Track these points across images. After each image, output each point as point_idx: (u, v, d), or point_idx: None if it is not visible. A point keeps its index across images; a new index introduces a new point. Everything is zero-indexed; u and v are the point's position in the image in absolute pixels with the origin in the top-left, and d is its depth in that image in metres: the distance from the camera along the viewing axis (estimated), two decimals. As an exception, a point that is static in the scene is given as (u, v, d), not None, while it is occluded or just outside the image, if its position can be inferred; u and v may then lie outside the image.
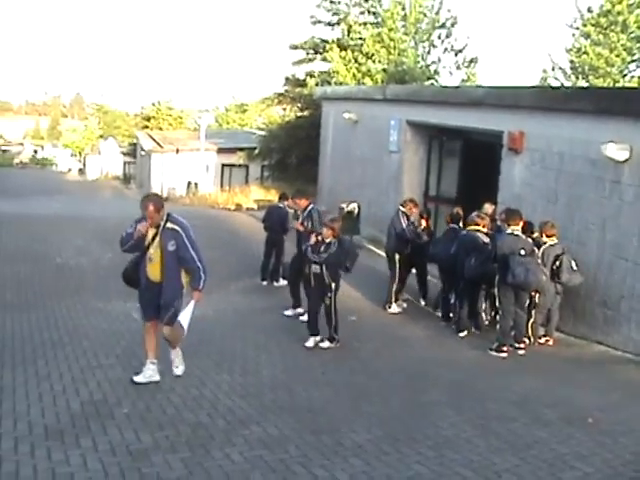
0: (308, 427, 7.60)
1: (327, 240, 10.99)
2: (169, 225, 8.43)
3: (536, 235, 12.07)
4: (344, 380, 9.55)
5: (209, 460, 6.60)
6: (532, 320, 11.91)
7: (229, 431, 7.36)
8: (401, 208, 14.12)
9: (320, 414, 8.08)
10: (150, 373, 8.74)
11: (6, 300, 13.19)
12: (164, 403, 8.10)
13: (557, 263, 11.63)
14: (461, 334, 12.39)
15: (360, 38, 33.94)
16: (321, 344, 11.05)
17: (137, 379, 8.68)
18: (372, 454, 6.92)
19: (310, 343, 10.99)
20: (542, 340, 12.11)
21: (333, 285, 11.08)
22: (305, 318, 11.89)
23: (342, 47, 33.58)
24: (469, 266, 12.03)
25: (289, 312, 12.99)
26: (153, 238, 8.45)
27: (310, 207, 13.17)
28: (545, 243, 11.83)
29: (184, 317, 8.53)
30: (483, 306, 12.50)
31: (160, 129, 58.34)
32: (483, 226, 12.32)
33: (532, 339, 11.94)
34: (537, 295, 11.79)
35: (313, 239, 11.20)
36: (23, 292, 13.94)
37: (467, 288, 12.51)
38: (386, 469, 6.58)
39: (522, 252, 10.98)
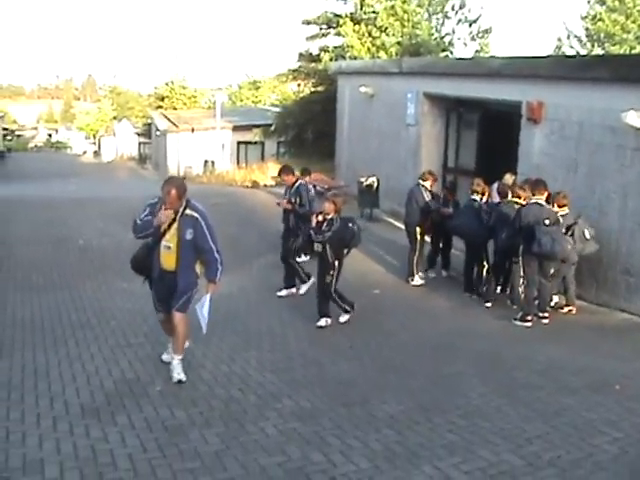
0: (339, 400, 7.73)
1: (329, 216, 10.80)
2: (188, 212, 7.88)
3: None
4: (371, 353, 9.68)
5: (244, 434, 6.74)
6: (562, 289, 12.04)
7: (261, 406, 7.50)
8: (421, 182, 14.13)
9: (350, 387, 8.21)
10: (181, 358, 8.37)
11: (32, 281, 13.36)
12: (195, 380, 8.24)
13: (569, 233, 11.66)
14: (487, 304, 12.47)
15: (373, 12, 33.74)
16: (340, 319, 11.02)
17: (164, 357, 8.77)
18: (404, 424, 7.06)
19: (322, 322, 10.81)
20: (565, 310, 12.17)
21: (336, 263, 10.85)
22: (302, 291, 12.25)
23: (355, 21, 33.41)
24: (501, 238, 12.13)
25: (283, 292, 12.81)
26: (170, 225, 7.89)
27: (298, 183, 13.02)
28: (557, 213, 11.84)
29: (203, 312, 8.15)
30: (520, 280, 12.11)
31: (174, 109, 58.35)
32: (524, 199, 12.19)
33: (573, 308, 12.17)
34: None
35: (314, 220, 10.94)
36: (48, 274, 14.09)
37: (500, 260, 12.62)
38: (419, 438, 6.71)
39: (547, 222, 11.03)
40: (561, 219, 11.61)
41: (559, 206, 11.85)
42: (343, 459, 6.27)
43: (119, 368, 8.59)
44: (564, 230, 11.61)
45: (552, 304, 12.17)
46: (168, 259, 8.04)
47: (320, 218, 10.85)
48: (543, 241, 10.89)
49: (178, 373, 8.17)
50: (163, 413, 7.22)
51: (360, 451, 6.42)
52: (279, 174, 13.83)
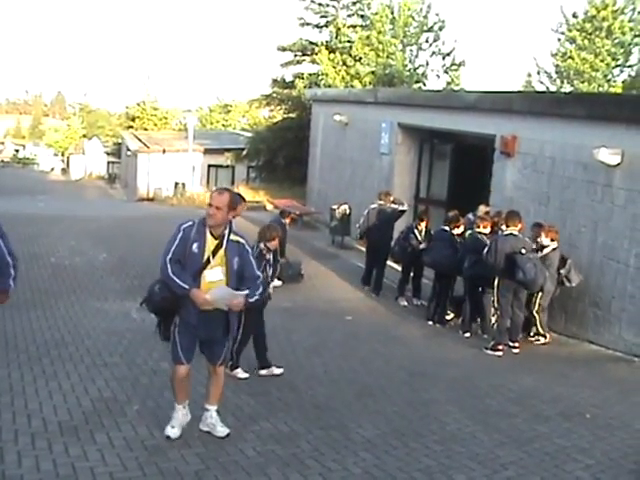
0: (316, 423, 7.80)
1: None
2: (233, 237, 6.74)
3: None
4: (346, 378, 9.76)
5: (223, 455, 6.78)
6: (538, 320, 12.30)
7: (240, 427, 7.52)
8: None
9: (327, 411, 8.28)
10: (183, 419, 7.27)
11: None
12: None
13: (567, 267, 11.95)
14: (466, 334, 12.73)
15: (348, 41, 34.22)
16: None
17: (172, 434, 7.09)
18: (381, 448, 7.15)
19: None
20: (539, 340, 12.41)
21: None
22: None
23: (330, 49, 33.83)
24: (464, 267, 12.47)
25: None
26: (214, 252, 6.68)
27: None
28: (547, 246, 12.11)
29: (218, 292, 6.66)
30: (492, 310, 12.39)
31: (145, 129, 58.20)
32: (484, 227, 12.59)
33: (547, 337, 12.38)
34: (540, 295, 12.13)
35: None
36: (21, 291, 13.89)
37: (471, 289, 12.90)
38: (397, 462, 6.81)
39: (523, 251, 11.27)
40: (553, 253, 12.09)
41: (551, 240, 12.13)
42: (323, 481, 6.35)
43: (95, 387, 8.55)
44: (557, 263, 11.97)
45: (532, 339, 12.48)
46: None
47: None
48: (527, 268, 11.10)
49: (222, 425, 7.24)
50: (142, 432, 7.23)
51: (339, 474, 6.51)
52: None
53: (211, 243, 6.67)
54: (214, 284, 6.64)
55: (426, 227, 14.50)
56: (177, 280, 6.58)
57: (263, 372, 9.61)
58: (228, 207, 6.61)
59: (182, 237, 6.67)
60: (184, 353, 6.91)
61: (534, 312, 12.27)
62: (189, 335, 6.86)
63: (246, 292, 6.72)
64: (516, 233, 11.61)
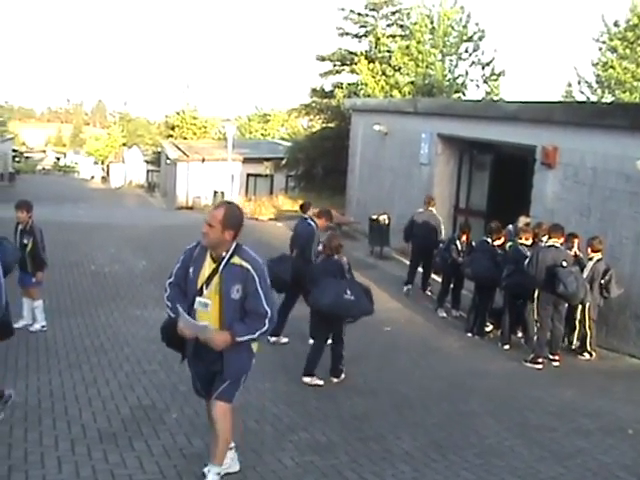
0: (355, 434, 7.78)
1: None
2: (236, 260, 5.78)
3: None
4: (385, 388, 9.74)
5: (261, 464, 6.79)
6: (589, 336, 12.18)
7: (278, 437, 7.54)
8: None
9: (365, 421, 8.26)
10: (228, 462, 6.47)
11: (45, 306, 13.41)
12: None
13: (607, 278, 11.83)
14: (506, 347, 12.63)
15: (388, 51, 34.21)
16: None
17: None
18: (420, 461, 7.12)
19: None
20: (586, 356, 12.30)
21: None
22: None
23: (370, 59, 33.83)
24: (502, 277, 12.43)
25: None
26: (210, 277, 5.84)
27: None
28: (592, 258, 12.01)
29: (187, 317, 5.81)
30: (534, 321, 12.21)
31: (184, 138, 58.66)
32: (526, 239, 12.60)
33: (594, 354, 12.22)
34: (587, 308, 12.02)
35: None
36: (62, 298, 14.15)
37: (510, 301, 12.83)
38: (435, 475, 6.78)
39: (564, 264, 11.16)
40: (598, 264, 11.98)
41: (594, 251, 12.04)
42: (361, 494, 6.33)
43: (135, 394, 8.62)
44: (601, 274, 11.90)
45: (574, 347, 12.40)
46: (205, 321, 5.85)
47: None
48: (568, 281, 11.00)
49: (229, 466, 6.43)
50: (180, 440, 7.26)
51: (378, 486, 6.49)
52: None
53: (209, 267, 5.85)
54: (204, 314, 5.83)
55: (467, 239, 14.40)
56: (169, 306, 6.05)
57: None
58: (222, 225, 5.68)
59: (184, 259, 6.06)
60: (196, 384, 6.37)
61: (586, 327, 12.14)
62: (194, 368, 6.27)
63: (212, 333, 5.75)
64: (558, 245, 11.51)
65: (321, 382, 9.61)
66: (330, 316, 9.61)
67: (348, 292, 9.44)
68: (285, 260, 11.34)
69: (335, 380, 9.82)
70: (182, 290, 6.02)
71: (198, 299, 5.84)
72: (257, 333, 5.79)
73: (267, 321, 5.78)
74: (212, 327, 5.76)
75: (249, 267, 5.75)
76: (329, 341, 10.00)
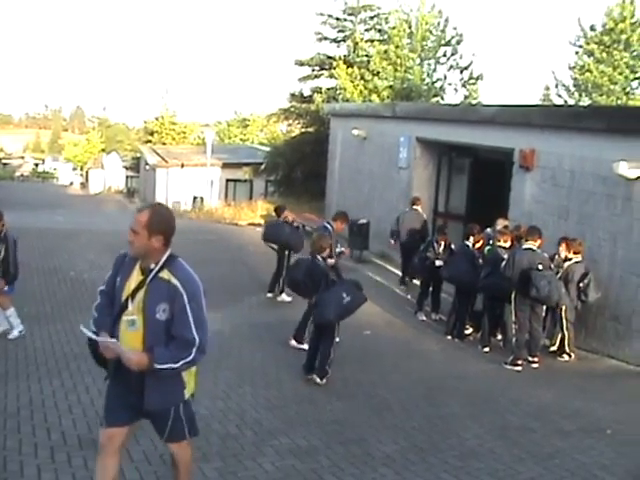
0: (335, 438, 7.79)
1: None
2: (165, 275, 4.94)
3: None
4: (365, 392, 9.74)
5: (242, 470, 6.79)
6: (567, 338, 12.25)
7: (258, 442, 7.53)
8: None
9: (345, 425, 8.27)
10: None
11: (24, 313, 13.32)
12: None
13: (585, 281, 11.91)
14: (485, 349, 12.68)
15: (366, 55, 34.29)
16: None
17: None
18: (400, 464, 7.13)
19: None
20: (565, 358, 12.36)
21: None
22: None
23: (348, 64, 33.87)
24: (480, 279, 12.51)
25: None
26: (135, 290, 4.99)
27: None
28: (571, 259, 12.10)
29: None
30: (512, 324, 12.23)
31: (163, 144, 58.49)
32: (504, 241, 12.65)
33: (572, 355, 12.30)
34: (564, 311, 12.12)
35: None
36: (41, 305, 14.07)
37: (489, 303, 12.93)
38: (416, 478, 6.81)
39: (540, 267, 11.24)
40: (575, 266, 12.11)
41: (574, 253, 12.12)
42: (342, 497, 6.35)
43: (115, 401, 8.59)
44: (578, 277, 11.99)
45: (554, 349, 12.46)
46: (128, 342, 4.98)
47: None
48: (541, 285, 11.09)
49: None
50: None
51: (359, 489, 6.50)
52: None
53: (136, 278, 5.01)
54: (128, 334, 4.98)
55: (445, 242, 14.45)
56: (94, 316, 5.27)
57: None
58: (148, 230, 4.86)
59: (114, 265, 5.24)
60: (106, 412, 5.29)
61: (563, 329, 12.23)
62: (112, 390, 5.28)
63: (122, 352, 4.84)
64: (534, 248, 11.59)
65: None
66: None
67: (344, 295, 9.68)
68: (300, 264, 11.35)
69: (318, 381, 9.87)
70: (112, 300, 5.18)
71: (124, 316, 4.98)
72: (180, 363, 4.86)
73: (194, 350, 4.86)
74: (115, 341, 4.91)
75: (177, 284, 4.89)
76: None
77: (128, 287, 4.99)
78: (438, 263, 14.09)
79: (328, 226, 12.51)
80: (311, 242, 10.59)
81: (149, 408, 5.05)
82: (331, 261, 10.78)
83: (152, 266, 4.95)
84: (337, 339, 10.26)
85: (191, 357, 4.86)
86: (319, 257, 10.24)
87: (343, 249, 12.94)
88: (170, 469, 5.76)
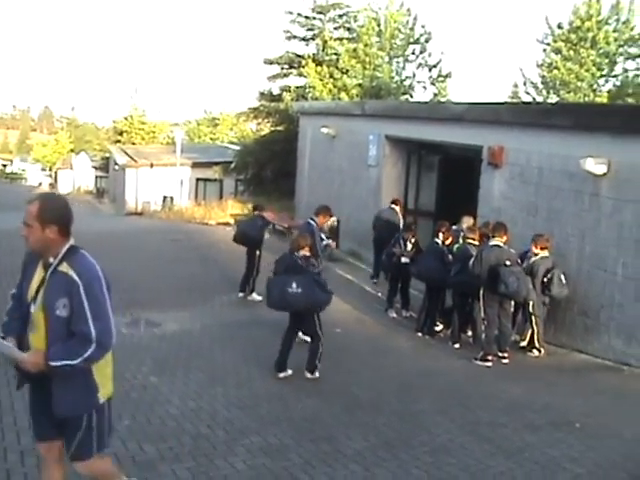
0: (306, 436, 7.81)
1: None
2: (63, 268, 4.65)
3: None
4: (336, 390, 9.76)
5: (214, 469, 6.78)
6: (536, 333, 12.34)
7: (230, 441, 7.53)
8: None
9: (316, 423, 8.29)
10: None
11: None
12: (163, 415, 8.24)
13: (549, 276, 12.00)
14: (456, 345, 12.73)
15: (335, 53, 34.34)
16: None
17: None
18: (371, 460, 7.16)
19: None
20: (535, 353, 12.43)
21: None
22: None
23: (317, 62, 33.90)
24: (450, 276, 12.60)
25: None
26: (38, 288, 4.72)
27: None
28: (537, 255, 12.19)
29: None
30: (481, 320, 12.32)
31: (133, 143, 58.17)
32: (474, 239, 12.69)
33: (542, 350, 12.36)
34: (532, 306, 12.21)
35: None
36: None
37: (459, 300, 12.98)
38: (387, 474, 6.83)
39: (507, 262, 11.33)
40: (540, 261, 12.18)
41: (541, 248, 12.21)
42: (313, 494, 6.36)
43: (85, 402, 8.53)
44: (543, 272, 12.08)
45: (523, 344, 12.53)
46: (34, 344, 4.74)
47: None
48: (509, 281, 11.17)
49: None
50: (132, 448, 7.22)
51: (330, 486, 6.51)
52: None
53: (38, 276, 4.76)
54: (32, 336, 4.73)
55: (413, 238, 14.50)
56: (3, 321, 4.94)
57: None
58: (40, 221, 4.60)
59: (22, 266, 4.95)
60: (32, 426, 5.12)
61: (533, 324, 12.33)
62: (30, 400, 5.05)
63: (15, 351, 4.60)
64: (501, 244, 11.68)
65: (290, 372, 10.13)
66: (297, 311, 10.12)
67: (293, 285, 9.73)
68: (282, 260, 11.40)
69: (309, 375, 10.11)
70: (22, 303, 4.85)
71: (31, 312, 4.70)
72: (77, 360, 4.53)
73: (93, 345, 4.56)
74: (10, 345, 4.63)
75: (74, 276, 4.59)
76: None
77: (32, 286, 4.74)
78: (404, 260, 14.16)
79: (312, 222, 12.66)
80: (291, 240, 10.87)
81: (59, 414, 4.74)
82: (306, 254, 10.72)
83: (51, 260, 4.68)
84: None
85: (88, 353, 4.56)
86: (297, 254, 10.32)
87: (329, 242, 13.03)
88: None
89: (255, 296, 15.26)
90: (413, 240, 14.48)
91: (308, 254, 10.46)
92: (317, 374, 10.16)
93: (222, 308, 14.78)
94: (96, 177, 68.71)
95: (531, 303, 12.13)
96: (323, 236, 12.85)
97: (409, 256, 14.16)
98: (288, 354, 10.22)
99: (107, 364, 4.95)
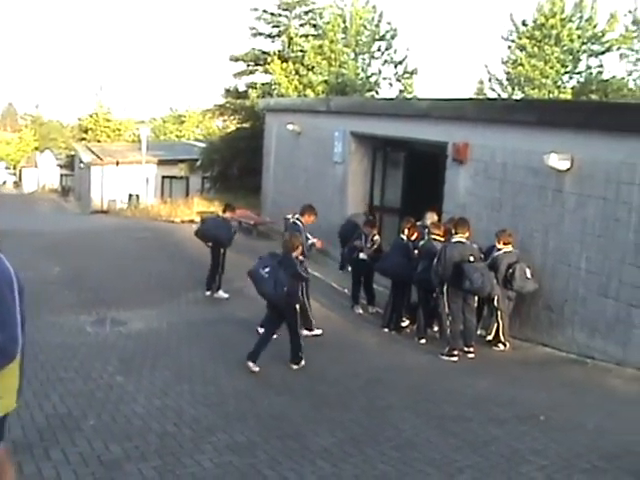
0: (273, 433, 7.80)
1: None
2: None
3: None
4: (303, 387, 9.78)
5: (181, 468, 6.75)
6: (501, 326, 12.41)
7: (196, 439, 7.50)
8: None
9: (283, 420, 8.29)
10: None
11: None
12: (129, 414, 8.20)
13: (510, 270, 12.09)
14: (422, 341, 12.80)
15: (301, 50, 34.33)
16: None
17: None
18: (338, 456, 7.17)
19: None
20: (500, 347, 12.48)
21: None
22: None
23: (283, 59, 33.89)
24: (416, 272, 12.66)
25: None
26: None
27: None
28: (500, 250, 12.28)
29: None
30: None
31: (98, 141, 57.75)
32: (439, 235, 12.72)
33: (507, 344, 12.43)
34: (496, 301, 12.29)
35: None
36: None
37: (424, 295, 13.00)
38: (353, 470, 6.84)
39: (471, 259, 11.41)
40: (503, 256, 12.23)
41: (504, 243, 12.29)
42: (280, 491, 6.37)
43: (50, 403, 8.46)
44: (505, 266, 12.15)
45: (490, 339, 12.60)
46: None
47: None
48: (474, 277, 11.25)
49: None
50: (98, 447, 7.17)
51: (297, 483, 6.52)
52: None
53: None
54: None
55: (373, 232, 14.51)
56: None
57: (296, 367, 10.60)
58: None
59: None
60: None
61: (497, 319, 12.42)
62: None
63: None
64: (464, 241, 11.77)
65: (257, 369, 10.24)
66: (276, 305, 10.52)
67: (266, 269, 10.25)
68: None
69: (295, 367, 10.46)
70: None
71: None
72: None
73: None
74: None
75: None
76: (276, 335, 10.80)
77: None
78: (362, 256, 14.19)
79: (298, 222, 12.98)
80: (284, 241, 11.06)
81: None
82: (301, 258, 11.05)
83: None
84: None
85: None
86: (292, 255, 10.59)
87: (315, 240, 13.09)
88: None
89: (222, 293, 15.25)
90: (375, 237, 14.47)
91: (302, 257, 10.89)
92: (303, 362, 10.58)
93: (189, 306, 14.75)
94: (61, 175, 68.12)
95: (496, 297, 12.22)
96: (309, 235, 12.92)
97: (368, 253, 14.18)
98: (264, 346, 10.52)
99: (11, 375, 4.64)
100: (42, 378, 9.41)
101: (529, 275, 12.22)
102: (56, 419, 7.91)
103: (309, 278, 11.25)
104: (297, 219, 13.12)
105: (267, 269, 10.33)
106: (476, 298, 12.05)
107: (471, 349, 11.87)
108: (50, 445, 7.16)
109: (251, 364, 10.25)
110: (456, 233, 11.88)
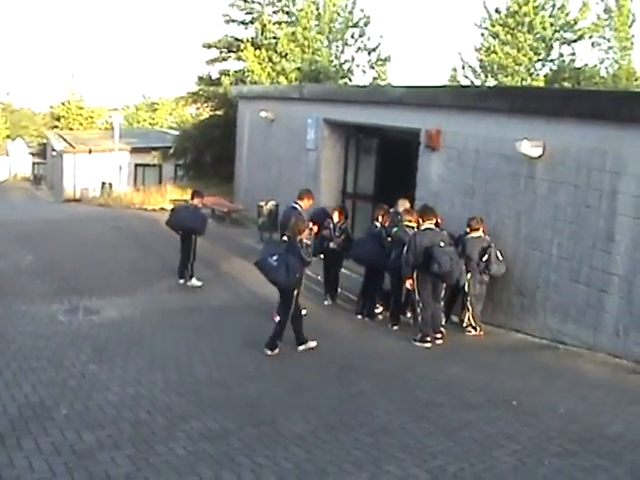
0: (247, 420, 7.82)
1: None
2: None
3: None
4: (277, 373, 9.81)
5: (154, 455, 6.76)
6: (470, 312, 12.51)
7: (170, 427, 7.51)
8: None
9: (257, 407, 8.31)
10: None
11: None
12: (102, 403, 8.19)
13: (486, 255, 12.16)
14: (395, 327, 12.86)
15: (274, 37, 34.12)
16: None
17: None
18: (312, 443, 7.21)
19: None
20: (472, 332, 12.57)
21: None
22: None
23: (256, 46, 33.69)
24: (390, 259, 12.66)
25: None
26: None
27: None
28: (469, 235, 12.35)
29: None
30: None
31: (70, 129, 57.26)
32: (414, 222, 12.65)
33: (478, 329, 12.51)
34: (467, 286, 12.38)
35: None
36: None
37: (397, 283, 12.99)
38: (327, 456, 6.87)
39: (441, 244, 11.45)
40: (474, 241, 12.39)
41: (474, 229, 12.35)
42: (254, 478, 6.38)
43: (22, 392, 8.43)
44: (478, 251, 12.27)
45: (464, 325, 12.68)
46: None
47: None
48: (443, 261, 11.27)
49: None
50: (70, 436, 7.15)
51: (270, 469, 6.54)
52: None
53: None
54: None
55: (343, 223, 14.43)
56: None
57: (301, 348, 10.95)
58: None
59: None
60: None
61: (467, 304, 12.48)
62: None
63: None
64: (433, 227, 11.81)
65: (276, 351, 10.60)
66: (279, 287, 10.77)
67: (274, 257, 10.50)
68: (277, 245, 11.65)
69: (268, 352, 10.63)
70: None
71: None
72: None
73: None
74: None
75: None
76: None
77: None
78: (332, 245, 14.14)
79: (297, 206, 13.02)
80: (289, 226, 11.15)
81: None
82: (307, 241, 11.19)
83: None
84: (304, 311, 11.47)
85: None
86: (298, 239, 10.75)
87: (312, 226, 13.00)
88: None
89: (195, 281, 15.21)
90: (343, 226, 14.41)
91: (307, 240, 11.00)
92: (277, 351, 10.63)
93: (162, 294, 14.69)
94: (33, 163, 67.53)
95: (466, 284, 12.28)
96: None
97: (337, 243, 14.14)
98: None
99: None
100: (14, 368, 9.38)
101: (500, 258, 12.31)
102: (28, 409, 7.88)
103: (311, 262, 11.22)
104: (296, 202, 13.13)
105: (275, 257, 10.47)
106: (444, 285, 12.07)
107: (438, 335, 11.89)
108: (22, 435, 7.13)
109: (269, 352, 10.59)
110: (424, 221, 11.91)
